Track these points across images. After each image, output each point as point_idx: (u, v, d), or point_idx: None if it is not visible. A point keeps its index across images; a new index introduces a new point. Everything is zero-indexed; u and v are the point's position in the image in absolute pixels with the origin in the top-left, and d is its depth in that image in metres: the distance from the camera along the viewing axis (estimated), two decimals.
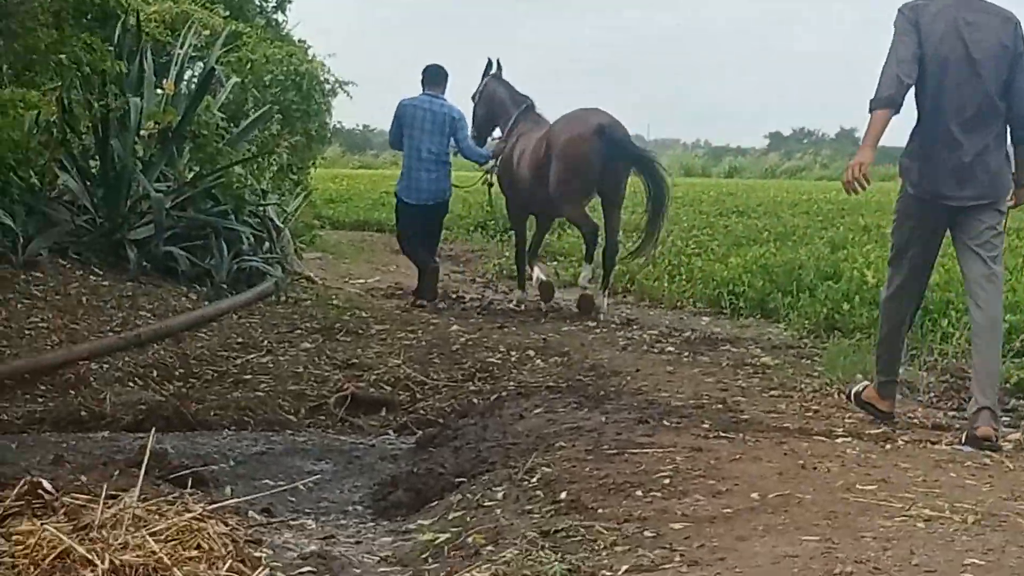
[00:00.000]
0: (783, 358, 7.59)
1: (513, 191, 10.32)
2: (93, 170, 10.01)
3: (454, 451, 5.48)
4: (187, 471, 4.75)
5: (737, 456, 4.73)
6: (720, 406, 5.96)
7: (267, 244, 10.62)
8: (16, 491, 3.76)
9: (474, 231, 16.40)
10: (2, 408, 6.23)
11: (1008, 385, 6.52)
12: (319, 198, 19.08)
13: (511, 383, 6.88)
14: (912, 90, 5.44)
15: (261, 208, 10.81)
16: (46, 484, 3.81)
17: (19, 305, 7.97)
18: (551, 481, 4.47)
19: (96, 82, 9.38)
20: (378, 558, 4.07)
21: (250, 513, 4.39)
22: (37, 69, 7.76)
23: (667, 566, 3.46)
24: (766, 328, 9.06)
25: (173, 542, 3.40)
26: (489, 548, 3.81)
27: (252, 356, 7.56)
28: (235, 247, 10.06)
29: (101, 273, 9.14)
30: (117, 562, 3.19)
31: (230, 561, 3.44)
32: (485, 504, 4.40)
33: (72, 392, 6.52)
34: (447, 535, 4.08)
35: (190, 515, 3.59)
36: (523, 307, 10.05)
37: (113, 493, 3.71)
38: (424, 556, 3.96)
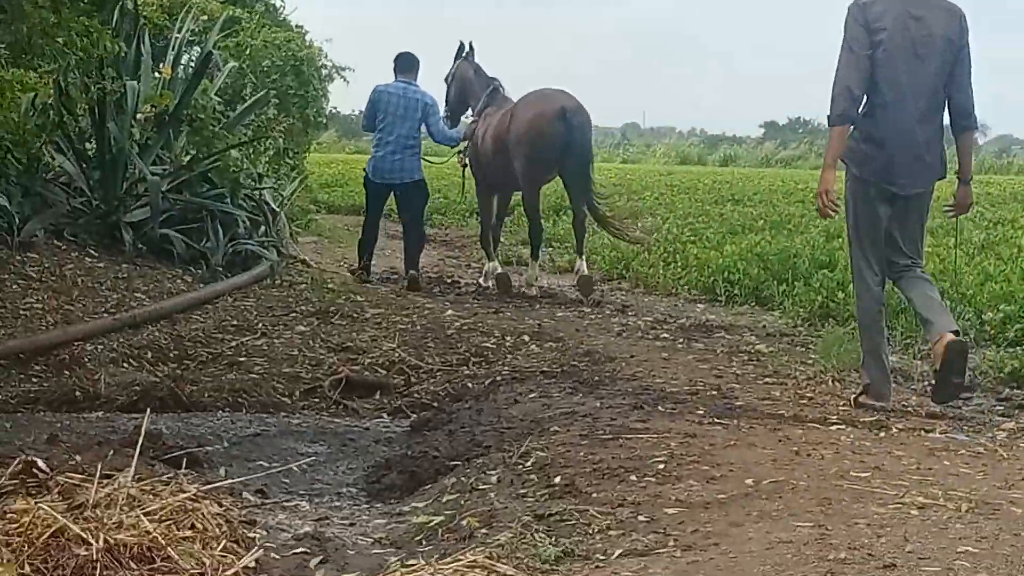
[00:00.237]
0: (777, 346, 7.62)
1: (479, 170, 10.54)
2: (89, 152, 10.01)
3: (448, 435, 5.49)
4: (181, 452, 4.76)
5: (731, 442, 4.74)
6: (715, 393, 5.97)
7: (263, 228, 10.64)
8: (11, 470, 3.77)
9: (469, 217, 16.39)
10: None
11: (1002, 374, 6.54)
12: (315, 182, 19.10)
13: (506, 368, 6.88)
14: None
15: (257, 192, 10.83)
16: (41, 463, 3.82)
17: (15, 286, 7.97)
18: (545, 465, 4.48)
19: (93, 65, 9.36)
20: (372, 540, 4.08)
21: (244, 494, 4.39)
22: (35, 51, 7.74)
23: (661, 551, 3.47)
24: (761, 316, 9.08)
25: (167, 522, 3.41)
26: (483, 531, 3.82)
27: (247, 338, 7.56)
28: (231, 230, 10.08)
29: (97, 255, 9.14)
30: (111, 541, 3.20)
31: (224, 541, 3.45)
32: (479, 487, 4.40)
33: (67, 372, 6.52)
34: (441, 518, 4.09)
35: (184, 495, 3.60)
36: (492, 284, 10.26)
37: (108, 473, 3.72)
38: (418, 538, 3.97)
